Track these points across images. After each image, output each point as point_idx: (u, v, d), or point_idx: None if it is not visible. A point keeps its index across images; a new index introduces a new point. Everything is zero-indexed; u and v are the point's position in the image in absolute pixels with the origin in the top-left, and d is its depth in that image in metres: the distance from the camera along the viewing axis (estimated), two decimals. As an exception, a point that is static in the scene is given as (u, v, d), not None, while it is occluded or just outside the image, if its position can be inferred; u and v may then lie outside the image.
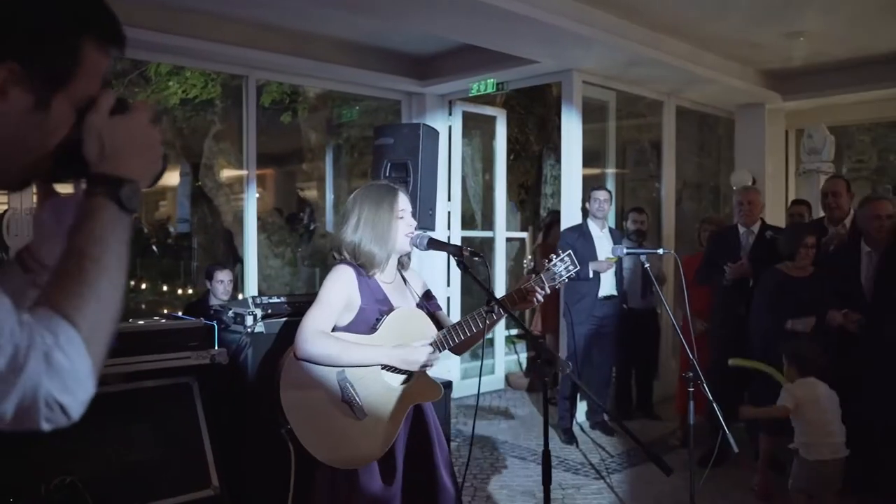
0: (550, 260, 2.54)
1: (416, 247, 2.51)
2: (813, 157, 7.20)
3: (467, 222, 8.26)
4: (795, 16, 5.37)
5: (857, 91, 7.00)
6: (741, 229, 5.21)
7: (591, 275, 5.46)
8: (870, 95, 7.20)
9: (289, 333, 4.23)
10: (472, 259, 2.39)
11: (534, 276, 2.53)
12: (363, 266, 2.47)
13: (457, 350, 2.58)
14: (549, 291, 2.52)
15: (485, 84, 6.53)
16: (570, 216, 6.23)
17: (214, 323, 3.95)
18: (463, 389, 6.86)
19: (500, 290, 7.90)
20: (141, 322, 3.88)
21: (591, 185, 6.43)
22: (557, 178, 9.01)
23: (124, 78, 10.29)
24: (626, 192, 9.18)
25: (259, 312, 4.15)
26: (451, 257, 2.38)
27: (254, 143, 6.01)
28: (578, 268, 2.56)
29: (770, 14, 5.35)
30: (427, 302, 2.65)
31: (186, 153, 11.31)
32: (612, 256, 5.52)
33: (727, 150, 8.66)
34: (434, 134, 4.85)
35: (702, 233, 5.90)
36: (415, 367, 2.42)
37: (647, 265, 3.35)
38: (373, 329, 2.42)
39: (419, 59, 6.74)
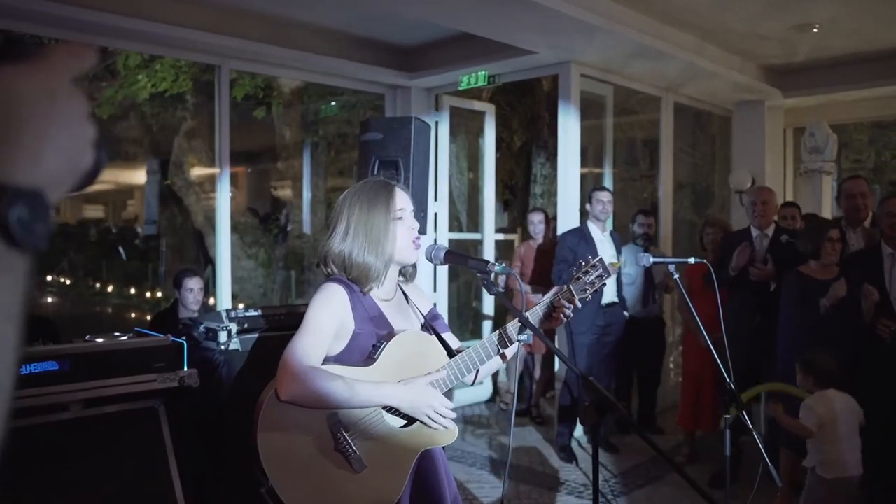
0: (579, 267, 2.14)
1: (431, 261, 2.09)
2: (815, 156, 6.90)
3: (452, 224, 7.86)
4: (810, 5, 5.04)
5: (860, 88, 6.72)
6: (754, 232, 4.86)
7: None
8: (871, 93, 6.93)
9: (265, 351, 3.83)
10: (488, 278, 1.98)
11: (562, 287, 2.13)
12: (356, 281, 2.03)
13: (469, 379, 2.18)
14: (579, 305, 2.12)
15: (475, 76, 6.12)
16: (567, 218, 5.85)
17: (183, 340, 3.49)
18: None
19: (488, 302, 7.45)
20: (99, 340, 3.41)
21: (584, 185, 6.07)
22: (547, 178, 8.63)
23: (89, 72, 9.78)
24: (615, 192, 8.87)
25: (234, 327, 3.71)
26: (477, 275, 1.96)
27: (227, 137, 5.54)
28: (611, 275, 2.16)
29: (784, 3, 5.01)
30: (433, 322, 2.22)
31: (154, 150, 10.80)
32: (615, 261, 5.18)
33: (721, 150, 8.36)
34: (426, 129, 4.44)
35: (704, 236, 5.54)
36: (424, 420, 1.98)
37: (676, 276, 2.97)
38: (370, 359, 1.98)
39: (405, 49, 6.32)
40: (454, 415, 2.01)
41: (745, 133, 7.37)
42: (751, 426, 2.88)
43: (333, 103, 10.32)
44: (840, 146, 7.24)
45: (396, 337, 2.00)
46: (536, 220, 6.46)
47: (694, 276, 5.03)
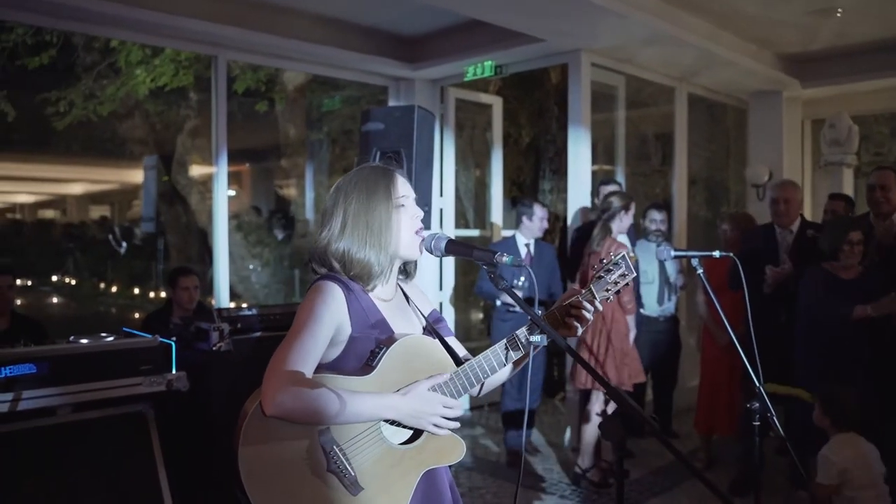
0: (600, 265, 1.90)
1: (431, 252, 1.86)
2: (835, 148, 6.66)
3: (458, 221, 7.64)
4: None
5: (882, 77, 6.45)
6: (778, 228, 4.62)
7: None
8: (894, 82, 6.66)
9: (260, 353, 3.60)
10: (495, 271, 1.75)
11: (580, 288, 1.89)
12: (358, 278, 1.81)
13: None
14: (600, 308, 1.88)
15: (481, 67, 5.90)
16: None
17: (172, 341, 3.28)
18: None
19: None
20: (84, 341, 3.21)
21: (594, 182, 5.84)
22: (556, 173, 8.40)
23: (93, 70, 9.64)
24: (626, 188, 8.63)
25: (227, 328, 3.50)
26: (482, 266, 1.73)
27: (224, 132, 5.33)
28: (635, 274, 1.92)
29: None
30: (436, 325, 1.98)
31: (160, 149, 10.66)
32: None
33: (736, 143, 8.11)
34: (430, 118, 4.21)
35: (721, 233, 5.29)
36: (430, 429, 1.77)
37: (700, 271, 2.74)
38: (368, 367, 1.75)
39: (409, 39, 6.09)
40: (461, 411, 1.79)
41: (761, 125, 7.12)
42: (781, 430, 2.65)
43: (338, 97, 10.11)
44: (860, 138, 6.97)
45: (398, 342, 1.77)
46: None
47: (714, 273, 4.75)
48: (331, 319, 1.73)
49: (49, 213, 13.24)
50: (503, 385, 5.15)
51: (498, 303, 5.18)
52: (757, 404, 2.67)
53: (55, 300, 11.67)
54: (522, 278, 4.91)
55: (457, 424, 1.80)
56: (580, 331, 1.84)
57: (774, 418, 2.63)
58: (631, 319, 4.79)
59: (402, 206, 1.86)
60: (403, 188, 1.88)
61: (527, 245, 5.26)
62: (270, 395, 1.60)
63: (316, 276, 1.84)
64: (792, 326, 4.27)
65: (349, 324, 1.77)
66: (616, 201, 4.72)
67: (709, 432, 5.14)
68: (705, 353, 5.21)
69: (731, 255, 2.80)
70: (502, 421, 5.37)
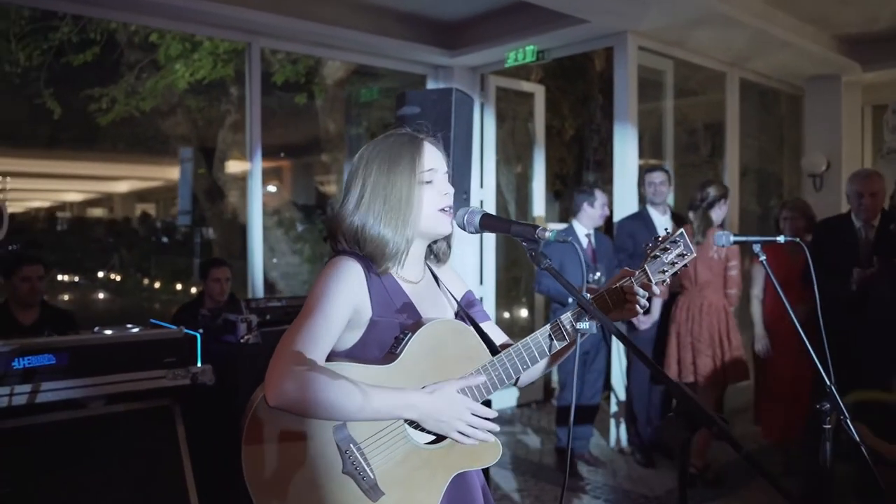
0: (655, 244, 1.67)
1: (464, 228, 1.66)
2: (899, 135, 6.29)
3: (499, 213, 7.42)
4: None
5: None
6: (857, 221, 4.30)
7: None
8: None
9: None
10: (537, 248, 1.53)
11: (632, 270, 1.67)
12: (371, 258, 1.61)
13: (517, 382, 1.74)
14: (657, 292, 1.66)
15: (523, 52, 5.67)
16: (625, 203, 5.38)
17: (198, 333, 3.14)
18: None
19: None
20: (108, 332, 3.09)
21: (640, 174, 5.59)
22: (601, 164, 8.14)
23: (136, 66, 9.67)
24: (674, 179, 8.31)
25: (255, 319, 3.37)
26: (522, 244, 1.52)
27: (258, 118, 5.22)
28: (695, 254, 1.69)
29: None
30: (469, 310, 1.78)
31: (202, 144, 10.68)
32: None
33: (790, 131, 7.76)
34: (468, 101, 4.01)
35: (782, 221, 4.98)
36: (453, 436, 1.55)
37: (762, 259, 2.49)
38: (391, 355, 1.56)
39: (447, 24, 5.90)
40: (496, 427, 1.58)
41: (818, 112, 6.77)
42: (857, 438, 2.39)
43: (376, 88, 9.98)
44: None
45: (425, 327, 1.57)
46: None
47: (777, 265, 4.35)
48: (347, 300, 1.54)
49: (97, 212, 13.44)
50: (560, 378, 4.95)
51: (570, 300, 4.80)
52: (827, 405, 2.42)
53: (101, 296, 11.81)
54: (598, 273, 4.71)
55: (488, 436, 1.58)
56: (641, 319, 1.64)
57: (849, 421, 2.38)
58: (733, 312, 4.66)
59: (429, 181, 1.64)
60: (432, 160, 1.66)
61: (587, 235, 4.99)
62: (274, 383, 1.41)
63: (334, 253, 1.66)
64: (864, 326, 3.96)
65: (369, 306, 1.57)
66: (713, 191, 4.60)
67: (780, 437, 4.84)
68: (777, 350, 4.81)
69: (798, 240, 2.54)
70: (556, 417, 5.13)
